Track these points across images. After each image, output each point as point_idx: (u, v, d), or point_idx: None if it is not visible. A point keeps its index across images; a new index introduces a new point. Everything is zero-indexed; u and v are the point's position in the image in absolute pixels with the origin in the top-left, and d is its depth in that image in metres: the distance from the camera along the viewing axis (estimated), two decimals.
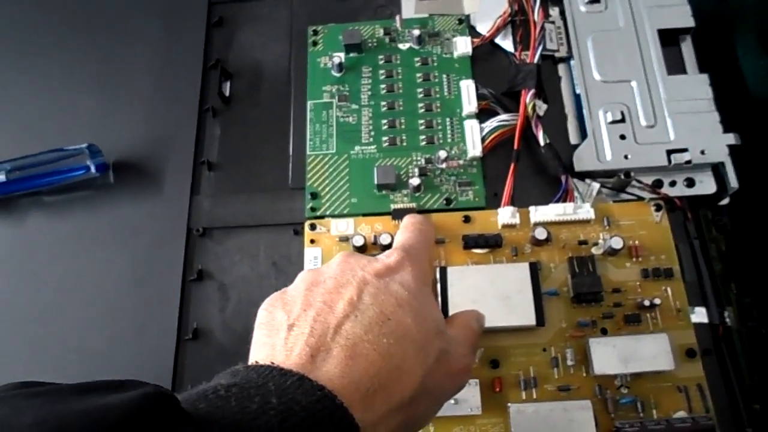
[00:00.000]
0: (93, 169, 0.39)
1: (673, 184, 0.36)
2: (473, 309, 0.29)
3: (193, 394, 0.19)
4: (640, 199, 0.35)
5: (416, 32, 0.40)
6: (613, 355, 0.31)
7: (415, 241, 0.27)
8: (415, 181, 0.36)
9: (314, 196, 0.37)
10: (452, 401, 0.30)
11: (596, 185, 0.36)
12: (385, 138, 0.38)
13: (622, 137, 0.36)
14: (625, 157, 0.36)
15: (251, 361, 0.21)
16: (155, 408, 0.16)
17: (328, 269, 0.24)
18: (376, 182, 0.36)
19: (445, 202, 0.36)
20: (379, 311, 0.22)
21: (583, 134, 0.38)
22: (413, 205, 0.36)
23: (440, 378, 0.23)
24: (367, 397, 0.20)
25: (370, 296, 0.22)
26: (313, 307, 0.22)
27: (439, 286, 0.32)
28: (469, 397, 0.30)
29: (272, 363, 0.20)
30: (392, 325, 0.22)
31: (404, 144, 0.38)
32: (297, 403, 0.18)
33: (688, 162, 0.35)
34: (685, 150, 0.35)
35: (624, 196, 0.36)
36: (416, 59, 0.40)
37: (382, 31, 0.41)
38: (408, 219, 0.30)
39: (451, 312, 0.31)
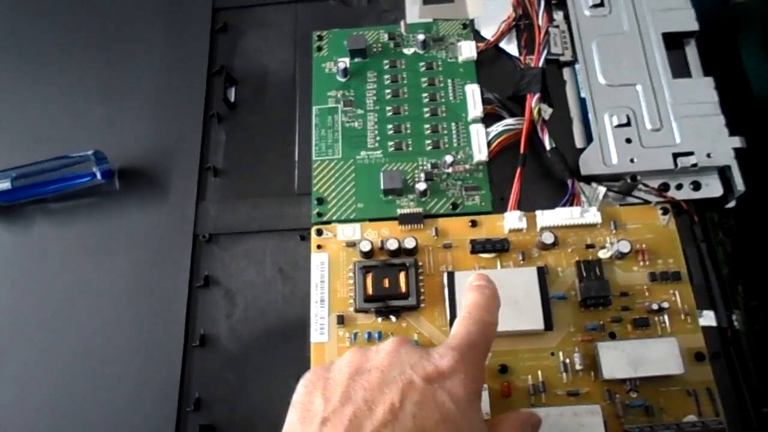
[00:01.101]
0: (99, 175, 0.39)
1: (679, 187, 0.36)
2: (525, 411, 0.27)
3: None
4: (647, 202, 0.35)
5: (421, 37, 0.40)
6: (622, 360, 0.30)
7: (476, 338, 0.25)
8: (421, 185, 0.36)
9: (320, 201, 0.37)
10: None
11: (602, 189, 0.36)
12: (390, 143, 0.38)
13: (628, 141, 0.36)
14: (631, 160, 0.36)
15: None
16: None
17: (376, 356, 0.23)
18: (382, 187, 0.36)
19: (451, 206, 0.36)
20: (420, 426, 0.21)
21: (588, 138, 0.38)
22: (420, 210, 0.36)
23: None
24: None
25: (414, 405, 0.21)
26: (352, 403, 0.21)
27: (447, 291, 0.32)
28: None
29: None
30: None
31: (410, 149, 0.38)
32: None
33: (694, 165, 0.35)
34: (691, 153, 0.35)
35: (630, 199, 0.36)
36: (421, 64, 0.40)
37: (386, 36, 0.41)
38: (477, 287, 0.26)
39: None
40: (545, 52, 0.39)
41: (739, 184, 0.35)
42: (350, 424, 0.20)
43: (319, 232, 0.35)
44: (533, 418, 0.26)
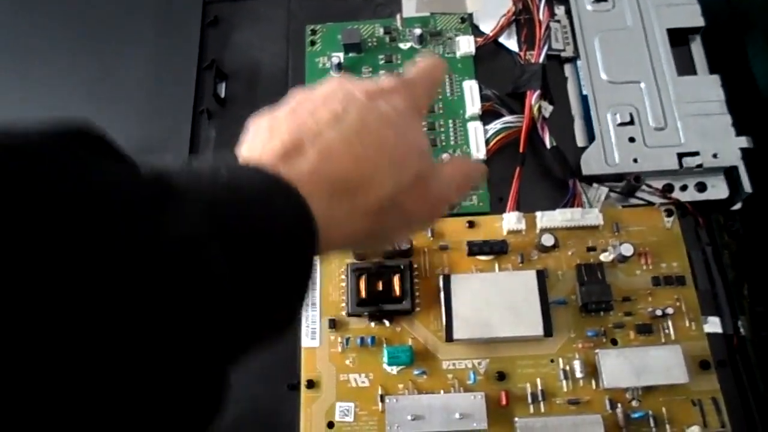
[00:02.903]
0: None
1: (684, 188, 0.35)
2: (472, 162, 0.28)
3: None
4: (650, 204, 0.34)
5: (417, 31, 0.39)
6: (624, 368, 0.29)
7: (416, 78, 0.26)
8: None
9: None
10: (457, 416, 0.29)
11: (604, 190, 0.35)
12: None
13: (631, 140, 0.35)
14: (635, 160, 0.34)
15: None
16: (76, 136, 0.15)
17: (319, 87, 0.24)
18: None
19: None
20: (362, 124, 0.22)
21: (590, 137, 0.36)
22: None
23: (413, 199, 0.23)
24: (333, 195, 0.20)
25: (356, 110, 0.22)
26: (297, 115, 0.22)
27: (442, 294, 0.31)
28: (475, 412, 0.29)
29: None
30: (372, 138, 0.22)
31: None
32: (250, 180, 0.18)
33: (700, 166, 0.34)
34: (696, 153, 0.34)
35: (633, 201, 0.35)
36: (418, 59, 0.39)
37: (382, 30, 0.40)
38: (422, 61, 0.27)
39: (455, 323, 0.30)
40: (546, 47, 0.38)
41: (747, 186, 0.33)
42: (296, 127, 0.21)
43: None
44: (480, 168, 0.28)
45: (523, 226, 0.33)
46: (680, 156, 0.34)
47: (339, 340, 0.32)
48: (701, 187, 0.35)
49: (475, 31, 0.40)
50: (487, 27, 0.40)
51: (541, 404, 0.30)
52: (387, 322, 0.32)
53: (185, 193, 0.16)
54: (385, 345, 0.31)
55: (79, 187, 0.14)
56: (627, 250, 0.32)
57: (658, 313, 0.31)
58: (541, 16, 0.39)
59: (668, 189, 0.35)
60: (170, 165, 0.18)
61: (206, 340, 0.16)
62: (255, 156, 0.21)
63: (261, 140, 0.21)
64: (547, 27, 0.38)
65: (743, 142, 0.34)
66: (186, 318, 0.15)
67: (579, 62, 0.38)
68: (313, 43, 0.41)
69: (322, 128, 0.21)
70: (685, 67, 0.38)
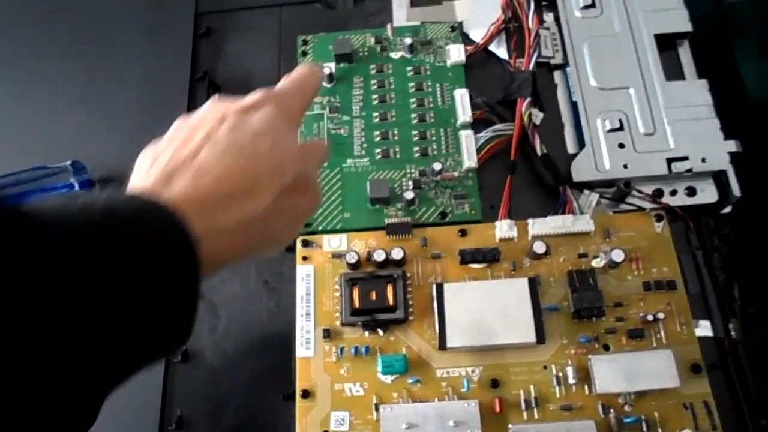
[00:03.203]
0: (77, 186, 0.38)
1: (673, 193, 0.35)
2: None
3: None
4: (641, 209, 0.34)
5: (408, 41, 0.39)
6: (616, 373, 0.30)
7: (286, 88, 0.27)
8: (409, 194, 0.35)
9: None
10: (451, 423, 0.29)
11: (595, 196, 0.35)
12: (378, 150, 0.37)
13: (621, 146, 0.35)
14: (625, 166, 0.35)
15: None
16: None
17: (196, 113, 0.25)
18: (369, 196, 0.35)
19: (440, 215, 0.35)
20: (235, 138, 0.23)
21: (580, 143, 0.37)
22: (408, 219, 0.35)
23: (296, 198, 0.25)
24: (216, 210, 0.21)
25: (229, 126, 0.23)
26: (175, 141, 0.23)
27: (436, 303, 0.31)
28: (469, 419, 0.29)
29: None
30: (249, 149, 0.23)
31: (398, 156, 0.37)
32: (124, 205, 0.19)
33: (689, 170, 0.34)
34: (685, 158, 0.34)
35: (624, 206, 0.35)
36: (408, 68, 0.39)
37: (373, 40, 0.40)
38: (295, 70, 0.28)
39: (449, 331, 0.30)
40: (535, 54, 0.38)
41: (736, 190, 0.34)
42: (174, 152, 0.23)
43: (305, 243, 0.34)
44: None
45: (514, 233, 0.33)
46: (669, 161, 0.34)
47: (333, 349, 0.32)
48: (691, 192, 0.35)
49: (465, 39, 0.40)
50: (477, 35, 0.40)
51: (535, 411, 0.30)
52: (381, 332, 0.32)
53: (42, 221, 0.17)
54: (379, 354, 0.32)
55: None
56: (618, 255, 0.32)
57: (650, 318, 0.31)
58: (530, 24, 0.39)
59: (658, 194, 0.35)
60: (47, 200, 0.18)
61: (71, 363, 0.16)
62: (138, 185, 0.22)
63: (143, 171, 0.23)
64: (537, 34, 0.39)
65: (732, 146, 0.35)
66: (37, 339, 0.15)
67: (568, 69, 0.38)
68: (304, 53, 0.41)
69: (197, 149, 0.22)
70: (673, 72, 0.38)
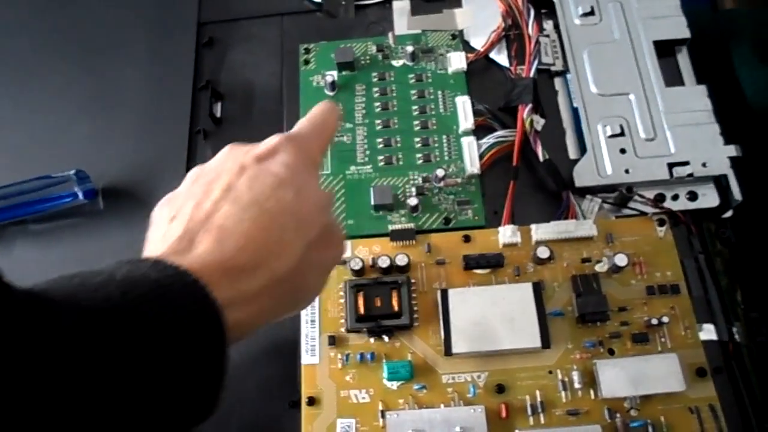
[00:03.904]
0: (81, 195, 0.38)
1: (675, 197, 0.35)
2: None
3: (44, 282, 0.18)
4: (643, 214, 0.35)
5: (409, 48, 0.40)
6: (621, 377, 0.30)
7: (304, 130, 0.26)
8: (412, 200, 0.35)
9: None
10: (458, 429, 0.29)
11: (597, 201, 0.35)
12: (380, 157, 0.37)
13: (622, 151, 0.36)
14: (626, 171, 0.35)
15: None
16: None
17: (212, 162, 0.24)
18: (372, 203, 0.35)
19: (443, 221, 0.35)
20: (258, 191, 0.22)
21: (582, 149, 0.37)
22: (412, 225, 0.35)
23: (324, 250, 0.23)
24: (243, 272, 0.20)
25: (249, 179, 0.22)
26: (193, 196, 0.22)
27: (440, 309, 0.31)
28: (476, 425, 0.29)
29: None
30: (271, 202, 0.22)
31: (401, 163, 0.37)
32: (145, 277, 0.18)
33: (690, 175, 0.34)
34: (686, 163, 0.35)
35: (626, 211, 0.35)
36: (410, 76, 0.40)
37: (374, 48, 0.41)
38: (314, 109, 0.27)
39: (454, 337, 0.31)
40: (536, 62, 0.39)
41: (737, 194, 0.34)
42: (193, 210, 0.21)
43: None
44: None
45: (518, 239, 0.34)
46: (670, 166, 0.35)
47: (339, 356, 0.32)
48: (692, 196, 0.35)
49: (466, 47, 0.41)
50: (478, 43, 0.41)
51: (541, 416, 0.30)
52: (386, 338, 0.32)
53: (60, 307, 0.16)
54: (384, 360, 0.32)
55: None
56: (621, 260, 0.32)
57: (654, 321, 0.31)
58: (530, 32, 0.39)
59: (660, 198, 0.35)
60: (56, 279, 0.18)
61: None
62: (157, 247, 0.21)
63: (161, 229, 0.22)
64: (537, 42, 0.39)
65: (732, 150, 0.35)
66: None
67: (569, 76, 0.39)
68: (306, 61, 0.41)
69: (217, 206, 0.21)
70: (672, 78, 0.38)
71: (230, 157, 0.23)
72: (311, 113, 0.26)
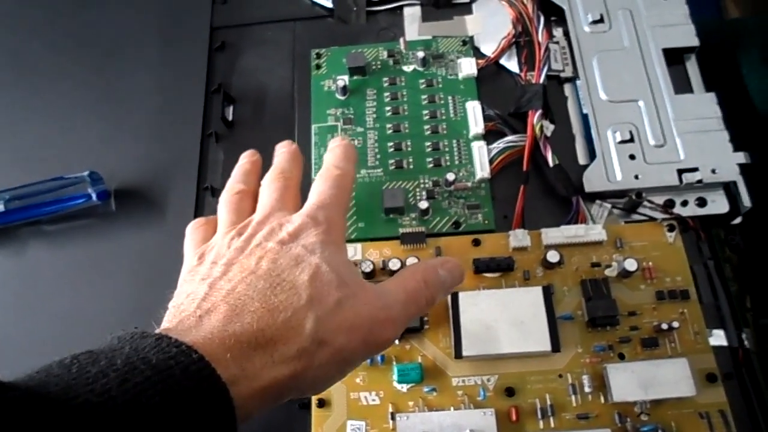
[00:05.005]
0: (94, 196, 0.38)
1: (684, 203, 0.35)
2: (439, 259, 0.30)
3: (40, 367, 0.18)
4: (652, 219, 0.35)
5: (420, 54, 0.40)
6: (632, 381, 0.30)
7: (326, 197, 0.27)
8: (423, 204, 0.35)
9: None
10: None
11: (607, 206, 0.35)
12: (391, 161, 0.38)
13: (632, 157, 0.36)
14: (636, 177, 0.35)
15: None
16: None
17: (244, 227, 0.25)
18: (383, 206, 0.36)
19: (453, 225, 0.36)
20: (276, 273, 0.22)
21: (591, 154, 0.37)
22: (422, 228, 0.35)
23: (342, 330, 0.22)
24: (249, 350, 0.20)
25: (269, 261, 0.23)
26: (212, 277, 0.23)
27: (451, 312, 0.32)
28: (486, 428, 0.29)
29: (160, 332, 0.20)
30: (285, 284, 0.22)
31: (411, 167, 0.38)
32: (145, 362, 0.18)
33: (700, 181, 0.35)
34: (695, 169, 0.35)
35: (635, 216, 0.35)
36: (421, 81, 0.40)
37: (385, 54, 0.41)
38: (332, 148, 0.29)
39: (464, 340, 0.31)
40: (546, 68, 0.39)
41: (746, 200, 0.34)
42: (210, 289, 0.22)
43: None
44: (448, 264, 0.28)
45: (528, 243, 0.34)
46: (680, 172, 0.35)
47: None
48: (701, 202, 0.35)
49: (477, 53, 0.41)
50: (488, 49, 0.41)
51: (551, 419, 0.30)
52: (396, 341, 0.32)
53: (54, 405, 0.16)
54: (394, 363, 0.32)
55: None
56: (631, 265, 0.32)
57: (664, 326, 0.31)
58: (540, 38, 0.40)
59: (669, 204, 0.35)
60: (56, 366, 0.18)
61: None
62: (176, 315, 0.22)
63: (182, 299, 0.23)
64: (547, 48, 0.39)
65: (741, 157, 0.35)
66: None
67: (578, 82, 0.39)
68: (318, 66, 0.42)
69: (236, 284, 0.22)
70: (681, 85, 0.39)
71: (260, 238, 0.24)
72: (329, 168, 0.28)
